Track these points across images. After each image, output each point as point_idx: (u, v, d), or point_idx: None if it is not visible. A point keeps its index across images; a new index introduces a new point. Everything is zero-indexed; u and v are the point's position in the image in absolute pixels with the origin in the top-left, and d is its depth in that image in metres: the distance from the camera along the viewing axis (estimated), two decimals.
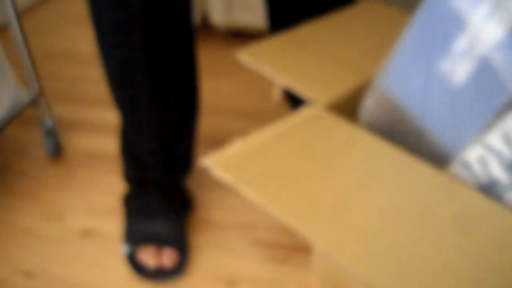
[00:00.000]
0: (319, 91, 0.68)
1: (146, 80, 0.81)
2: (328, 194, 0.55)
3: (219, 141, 1.17)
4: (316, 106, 0.66)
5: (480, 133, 0.58)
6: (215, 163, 0.58)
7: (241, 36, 1.52)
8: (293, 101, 1.06)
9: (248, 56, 0.74)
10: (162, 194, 0.94)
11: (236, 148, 0.60)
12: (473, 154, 0.59)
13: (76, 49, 1.56)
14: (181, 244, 0.91)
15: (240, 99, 1.32)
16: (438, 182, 0.57)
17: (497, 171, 0.57)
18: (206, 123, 1.12)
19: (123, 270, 0.90)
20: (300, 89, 0.69)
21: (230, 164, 0.58)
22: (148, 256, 0.89)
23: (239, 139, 0.61)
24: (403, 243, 0.50)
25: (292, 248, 0.93)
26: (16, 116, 1.03)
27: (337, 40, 0.79)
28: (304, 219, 0.52)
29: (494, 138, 0.57)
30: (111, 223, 0.98)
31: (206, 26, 1.52)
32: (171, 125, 0.88)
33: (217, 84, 1.35)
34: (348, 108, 0.69)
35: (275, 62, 0.73)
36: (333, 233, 0.51)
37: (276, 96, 1.28)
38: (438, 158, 0.61)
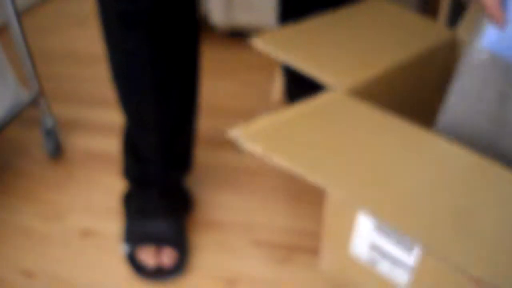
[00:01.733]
0: (337, 77, 0.68)
1: (148, 75, 0.81)
2: (364, 165, 0.55)
3: (219, 141, 1.18)
4: (337, 91, 0.66)
5: None
6: (243, 135, 0.57)
7: (241, 36, 1.52)
8: (293, 101, 1.06)
9: (263, 42, 0.74)
10: (162, 194, 0.94)
11: (263, 122, 0.60)
12: None
13: (76, 49, 1.56)
14: (180, 243, 0.91)
15: (240, 99, 1.32)
16: (469, 161, 0.57)
17: None
18: (206, 123, 1.12)
19: (123, 270, 0.90)
20: (318, 75, 0.69)
21: (259, 136, 0.58)
22: (148, 256, 0.89)
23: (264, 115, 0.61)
24: (446, 205, 0.51)
25: (292, 248, 0.93)
26: (16, 116, 1.03)
27: (349, 33, 0.80)
28: (341, 183, 0.53)
29: None
30: (111, 223, 0.98)
31: (206, 26, 1.52)
32: (171, 121, 0.88)
33: (217, 84, 1.35)
34: (368, 95, 0.69)
35: (290, 48, 0.74)
36: (373, 195, 0.52)
37: (276, 96, 1.28)
38: None
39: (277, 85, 1.26)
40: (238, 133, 0.58)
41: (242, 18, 1.47)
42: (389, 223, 0.49)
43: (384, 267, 0.71)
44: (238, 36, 1.52)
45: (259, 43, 0.74)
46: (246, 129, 0.59)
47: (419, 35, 0.80)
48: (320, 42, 0.76)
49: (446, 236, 0.48)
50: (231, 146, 1.16)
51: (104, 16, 0.79)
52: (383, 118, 0.62)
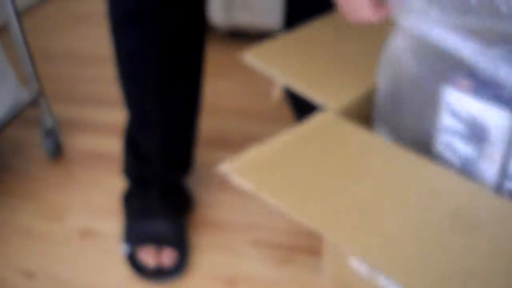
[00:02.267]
0: (330, 96, 0.67)
1: (154, 73, 0.81)
2: (352, 201, 0.54)
3: (219, 141, 1.18)
4: (329, 112, 0.65)
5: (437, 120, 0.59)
6: (233, 170, 0.56)
7: (241, 36, 1.52)
8: (293, 101, 1.06)
9: (253, 57, 0.72)
10: (162, 194, 0.94)
11: (253, 154, 0.59)
12: (439, 144, 0.59)
13: (76, 49, 1.56)
14: (181, 244, 0.91)
15: (240, 99, 1.32)
16: (461, 187, 0.56)
17: (462, 148, 0.57)
18: (206, 123, 1.12)
19: (123, 270, 0.90)
20: (310, 94, 0.68)
21: (249, 171, 0.56)
22: (148, 256, 0.89)
23: (256, 143, 0.60)
24: (434, 247, 0.49)
25: (292, 248, 0.93)
26: (16, 116, 1.03)
27: (342, 40, 0.78)
28: (332, 226, 0.51)
29: (445, 118, 0.57)
30: (111, 223, 0.98)
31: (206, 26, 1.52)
32: (175, 120, 0.88)
33: (217, 84, 1.35)
34: (360, 112, 0.68)
35: (281, 63, 0.72)
36: (363, 239, 0.50)
37: (276, 96, 1.29)
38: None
39: (277, 85, 1.26)
40: (227, 167, 0.56)
41: (242, 18, 1.47)
42: (380, 269, 0.48)
43: (384, 281, 0.70)
44: (238, 36, 1.53)
45: (249, 58, 0.72)
46: (236, 163, 0.57)
47: None
48: (313, 54, 0.74)
49: (436, 280, 0.47)
50: (231, 146, 1.16)
51: (111, 16, 0.79)
52: (374, 143, 0.61)
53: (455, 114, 0.57)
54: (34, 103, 1.08)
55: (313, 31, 0.79)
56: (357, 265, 0.73)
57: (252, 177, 0.55)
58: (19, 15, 0.99)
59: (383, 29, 0.82)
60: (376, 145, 0.61)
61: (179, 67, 0.83)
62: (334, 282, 0.84)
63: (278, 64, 0.72)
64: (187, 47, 0.83)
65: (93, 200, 1.04)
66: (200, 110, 0.93)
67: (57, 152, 1.14)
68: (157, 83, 0.83)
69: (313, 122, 0.64)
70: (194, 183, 1.05)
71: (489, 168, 0.56)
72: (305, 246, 0.93)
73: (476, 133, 0.56)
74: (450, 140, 0.58)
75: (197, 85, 0.89)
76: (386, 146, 0.61)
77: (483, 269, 0.47)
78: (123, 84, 0.86)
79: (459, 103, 0.56)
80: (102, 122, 1.25)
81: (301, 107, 0.97)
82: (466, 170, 0.58)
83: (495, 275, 0.47)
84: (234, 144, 1.17)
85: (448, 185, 0.56)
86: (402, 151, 0.60)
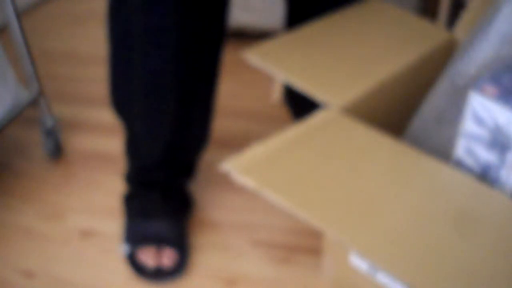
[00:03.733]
0: (332, 94, 0.67)
1: (173, 91, 0.80)
2: (355, 197, 0.54)
3: (219, 141, 1.17)
4: (332, 110, 0.65)
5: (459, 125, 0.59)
6: (236, 168, 0.56)
7: (241, 36, 1.52)
8: (292, 102, 1.06)
9: (255, 56, 0.72)
10: (163, 195, 0.94)
11: (255, 152, 0.59)
12: (460, 149, 0.59)
13: (76, 49, 1.56)
14: (181, 244, 0.91)
15: (240, 99, 1.31)
16: (464, 184, 0.56)
17: (484, 154, 0.57)
18: None
19: (123, 270, 0.90)
20: (313, 92, 0.68)
21: (251, 169, 0.56)
22: (148, 257, 0.89)
23: (258, 142, 0.60)
24: (436, 245, 0.49)
25: (292, 248, 0.93)
26: (16, 116, 1.03)
27: (344, 39, 0.78)
28: (334, 222, 0.51)
29: (468, 124, 0.57)
30: (111, 223, 0.98)
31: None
32: (188, 136, 0.88)
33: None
34: (363, 110, 0.68)
35: (283, 62, 0.72)
36: (366, 236, 0.50)
37: (276, 96, 1.28)
38: None
39: (277, 85, 1.26)
40: (230, 165, 0.56)
41: (242, 18, 1.47)
42: (382, 266, 0.48)
43: (384, 278, 0.70)
44: (238, 36, 1.52)
45: (251, 57, 0.71)
46: (238, 161, 0.57)
47: (417, 38, 0.79)
48: (314, 53, 0.74)
49: (438, 278, 0.47)
50: (232, 145, 1.16)
51: (123, 32, 0.77)
52: (377, 140, 0.61)
53: (479, 120, 0.57)
54: (34, 103, 1.08)
55: (315, 30, 0.79)
56: (357, 264, 0.73)
57: (254, 175, 0.56)
58: (19, 15, 0.99)
59: (383, 28, 0.82)
60: (379, 142, 0.61)
61: (197, 84, 0.82)
62: (334, 282, 0.84)
63: (280, 63, 0.72)
64: (206, 63, 0.82)
65: (93, 200, 1.04)
66: (212, 120, 0.92)
67: (57, 152, 1.14)
68: (175, 102, 0.81)
69: (316, 119, 0.64)
70: (194, 183, 1.05)
71: (510, 176, 0.56)
72: (305, 246, 0.93)
73: (500, 141, 0.56)
74: (472, 146, 0.58)
75: (213, 96, 0.89)
76: (389, 143, 0.61)
77: (486, 268, 0.48)
78: (130, 99, 0.84)
79: (484, 109, 0.56)
80: (102, 122, 1.25)
81: (300, 108, 0.97)
82: (486, 177, 0.58)
83: (498, 274, 0.47)
84: (235, 144, 1.17)
85: (453, 183, 0.56)
86: (405, 148, 0.60)
